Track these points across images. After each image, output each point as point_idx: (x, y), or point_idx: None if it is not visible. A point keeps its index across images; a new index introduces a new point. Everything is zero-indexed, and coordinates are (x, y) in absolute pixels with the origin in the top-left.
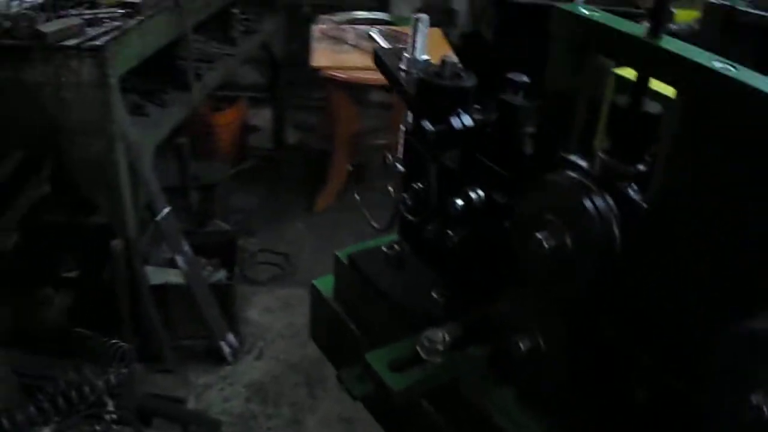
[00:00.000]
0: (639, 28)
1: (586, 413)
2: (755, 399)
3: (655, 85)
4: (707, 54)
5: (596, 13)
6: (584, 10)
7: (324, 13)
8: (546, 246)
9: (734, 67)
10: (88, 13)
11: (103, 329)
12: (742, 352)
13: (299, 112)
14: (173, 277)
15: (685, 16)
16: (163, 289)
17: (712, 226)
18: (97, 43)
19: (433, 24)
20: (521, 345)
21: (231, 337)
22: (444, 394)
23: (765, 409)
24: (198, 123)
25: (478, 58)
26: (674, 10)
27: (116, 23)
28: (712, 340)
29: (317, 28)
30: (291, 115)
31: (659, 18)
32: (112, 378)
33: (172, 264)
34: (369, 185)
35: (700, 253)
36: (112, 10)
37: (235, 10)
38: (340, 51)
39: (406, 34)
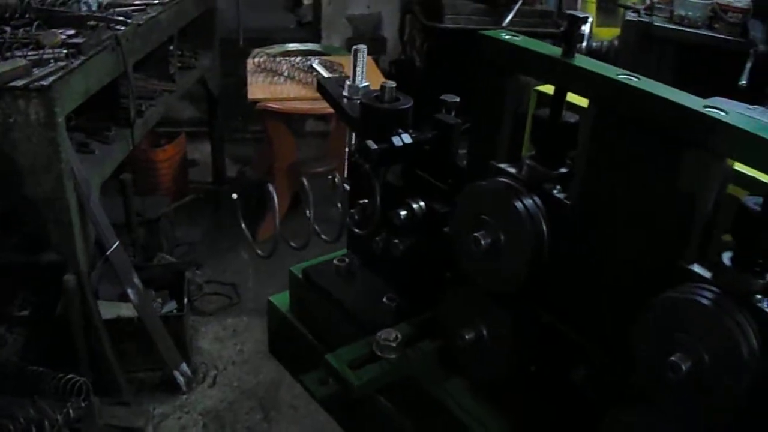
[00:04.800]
0: (555, 50)
1: (531, 395)
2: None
3: (572, 97)
4: (614, 68)
5: (517, 38)
6: (506, 36)
7: (258, 46)
8: (483, 243)
9: (637, 77)
10: (33, 55)
11: (58, 365)
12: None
13: (237, 144)
14: (125, 310)
15: (607, 33)
16: (116, 322)
17: (625, 215)
18: (44, 83)
19: None
20: (467, 336)
21: (184, 366)
22: (400, 389)
23: None
24: (139, 159)
25: (408, 82)
26: (585, 32)
27: (61, 63)
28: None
29: (252, 62)
30: (229, 149)
31: (571, 40)
32: (71, 412)
33: (122, 298)
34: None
35: (617, 239)
36: (57, 50)
37: (172, 47)
38: (275, 83)
39: (340, 63)
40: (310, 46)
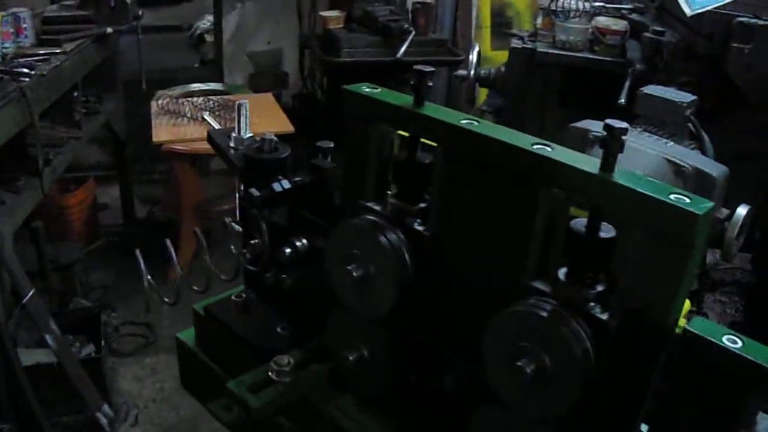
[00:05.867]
0: (408, 99)
1: (410, 405)
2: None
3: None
4: (458, 114)
5: (376, 90)
6: (367, 89)
7: (162, 86)
8: (354, 275)
9: (477, 122)
10: None
11: None
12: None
13: (146, 186)
14: (43, 357)
15: (502, 57)
16: (36, 369)
17: (474, 242)
18: None
19: (265, 88)
20: (350, 358)
21: (106, 408)
22: (297, 409)
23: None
24: (50, 205)
25: (311, 115)
26: (473, 61)
27: None
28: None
29: (155, 104)
30: (138, 190)
31: (419, 92)
32: None
33: (40, 344)
34: (218, 248)
35: (469, 262)
36: None
37: (77, 93)
38: (178, 124)
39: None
40: (212, 85)
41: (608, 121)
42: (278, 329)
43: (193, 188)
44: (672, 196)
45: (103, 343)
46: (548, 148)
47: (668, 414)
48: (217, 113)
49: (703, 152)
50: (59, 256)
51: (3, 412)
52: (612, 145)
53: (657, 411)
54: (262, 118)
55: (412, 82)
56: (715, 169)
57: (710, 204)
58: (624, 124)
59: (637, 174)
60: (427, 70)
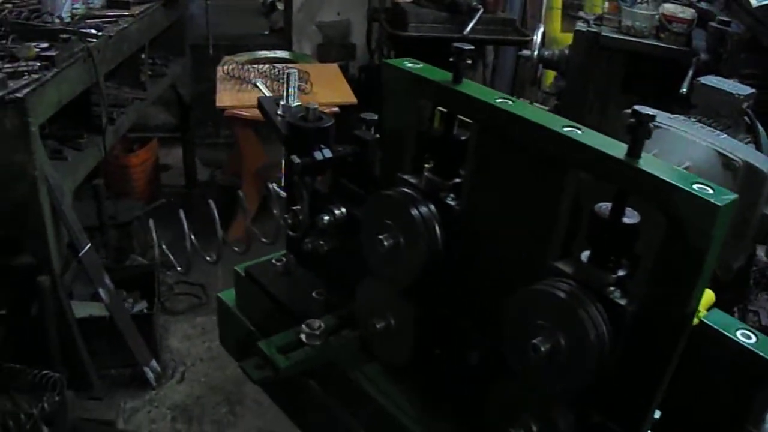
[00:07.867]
0: (447, 76)
1: (434, 376)
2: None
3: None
4: (493, 92)
5: (419, 66)
6: (409, 64)
7: (231, 52)
8: (385, 245)
9: (512, 101)
10: (8, 67)
11: (34, 362)
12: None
13: (209, 149)
14: (96, 310)
15: (567, 39)
16: (88, 321)
17: (502, 219)
18: (18, 95)
19: (332, 59)
20: (377, 325)
21: (154, 363)
22: (327, 374)
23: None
24: (113, 164)
25: (377, 88)
26: (537, 41)
27: (35, 75)
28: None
29: (221, 69)
30: (201, 153)
31: (458, 69)
32: (46, 406)
33: (94, 298)
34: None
35: (497, 240)
36: (31, 63)
37: (144, 55)
38: (243, 90)
39: (306, 72)
40: (278, 53)
41: (636, 107)
42: (314, 294)
43: (255, 153)
44: (695, 186)
45: (156, 300)
46: (578, 131)
47: (680, 405)
48: (281, 81)
49: (758, 147)
50: (119, 213)
51: (54, 361)
52: (639, 131)
53: (671, 400)
54: (325, 88)
55: (450, 59)
56: (766, 164)
57: (733, 196)
58: (652, 111)
59: (664, 162)
60: (466, 47)
